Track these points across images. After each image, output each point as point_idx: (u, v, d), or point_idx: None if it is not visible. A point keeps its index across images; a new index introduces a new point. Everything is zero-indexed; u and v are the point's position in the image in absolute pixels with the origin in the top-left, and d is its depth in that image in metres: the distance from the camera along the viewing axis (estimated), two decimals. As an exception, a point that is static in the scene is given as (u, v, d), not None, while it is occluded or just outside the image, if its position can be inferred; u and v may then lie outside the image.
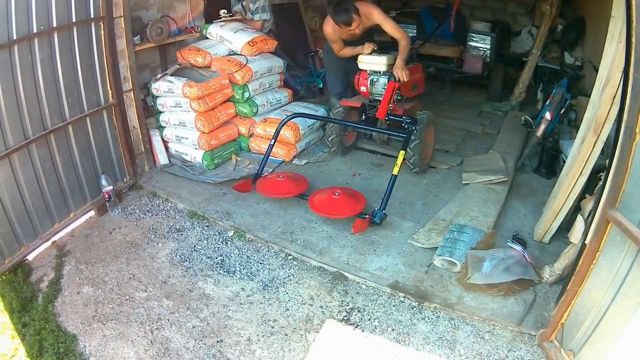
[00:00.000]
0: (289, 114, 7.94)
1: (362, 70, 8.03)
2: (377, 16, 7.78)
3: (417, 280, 5.68)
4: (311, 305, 5.43)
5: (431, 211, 6.93)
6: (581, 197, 5.77)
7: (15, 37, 5.50)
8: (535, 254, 6.01)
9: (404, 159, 6.63)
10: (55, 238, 6.47)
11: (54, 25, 5.95)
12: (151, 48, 8.23)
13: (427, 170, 8.01)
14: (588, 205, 5.32)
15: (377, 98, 7.97)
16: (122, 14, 6.99)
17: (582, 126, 5.95)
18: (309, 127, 8.54)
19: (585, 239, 4.62)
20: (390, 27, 7.86)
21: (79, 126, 6.62)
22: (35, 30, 5.71)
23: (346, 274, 5.83)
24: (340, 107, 8.09)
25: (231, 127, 8.37)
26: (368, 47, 7.90)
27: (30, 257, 6.15)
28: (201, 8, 9.38)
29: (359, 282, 5.74)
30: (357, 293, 5.61)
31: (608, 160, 4.44)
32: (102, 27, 6.68)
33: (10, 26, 5.42)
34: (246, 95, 8.35)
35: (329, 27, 8.02)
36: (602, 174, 4.98)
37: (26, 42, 5.67)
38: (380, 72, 7.87)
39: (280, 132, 7.64)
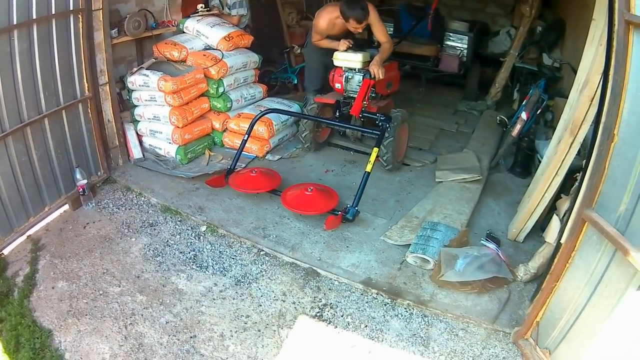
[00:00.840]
0: (263, 110, 7.95)
1: (337, 67, 8.04)
2: (372, 16, 7.73)
3: (390, 277, 5.71)
4: (284, 301, 5.44)
5: (404, 208, 6.95)
6: (556, 197, 5.83)
7: (-6, 29, 5.48)
8: (510, 252, 6.08)
9: (377, 156, 6.66)
10: (31, 232, 6.45)
11: (34, 17, 5.93)
12: (128, 41, 8.19)
13: (400, 167, 8.06)
14: (564, 205, 5.38)
15: (351, 95, 7.98)
16: (101, 7, 6.95)
17: (559, 127, 6.02)
18: (282, 123, 8.54)
19: (560, 238, 4.68)
20: (379, 31, 7.86)
21: (55, 119, 6.60)
22: (15, 22, 5.68)
23: (319, 270, 5.84)
24: (314, 104, 8.13)
25: (205, 122, 8.37)
26: (344, 44, 7.91)
27: (5, 252, 6.12)
28: (179, 2, 9.35)
29: (331, 279, 5.76)
30: (330, 289, 5.62)
31: (585, 160, 4.52)
32: (80, 19, 6.65)
33: (-11, 17, 5.39)
34: (221, 90, 8.36)
35: (324, 21, 7.99)
36: (577, 174, 5.05)
37: (5, 34, 5.64)
38: (355, 70, 7.87)
39: (254, 128, 7.68)
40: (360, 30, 7.74)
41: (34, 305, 5.40)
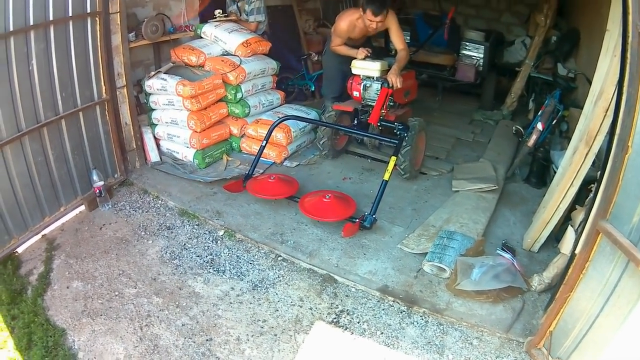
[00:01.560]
0: (281, 116, 7.97)
1: (355, 75, 8.05)
2: (392, 21, 7.81)
3: (406, 285, 5.70)
4: (300, 307, 5.44)
5: (421, 217, 6.95)
6: (571, 208, 5.82)
7: (12, 29, 5.49)
8: (524, 262, 6.05)
9: (395, 165, 6.65)
10: (46, 231, 6.46)
11: (51, 18, 5.95)
12: (145, 45, 8.20)
13: (417, 176, 8.05)
14: (579, 216, 5.38)
15: (369, 103, 7.98)
16: (118, 10, 6.98)
17: (574, 138, 6.00)
18: (300, 129, 8.54)
19: (575, 249, 4.66)
20: (397, 37, 7.90)
21: (72, 121, 6.62)
22: (32, 23, 5.70)
23: (336, 277, 5.84)
24: (332, 111, 8.13)
25: (223, 127, 8.37)
26: (362, 52, 7.92)
27: (20, 250, 6.13)
28: (197, 7, 9.38)
29: (348, 285, 5.75)
30: (347, 296, 5.61)
31: (599, 172, 4.48)
32: (97, 22, 6.67)
33: (7, 17, 5.42)
34: (239, 95, 8.36)
35: (345, 23, 8.00)
36: (592, 185, 5.05)
37: (22, 34, 5.66)
38: (373, 78, 7.88)
39: (272, 134, 7.66)
40: (374, 27, 7.68)
41: (48, 304, 5.41)
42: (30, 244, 6.26)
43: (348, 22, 7.96)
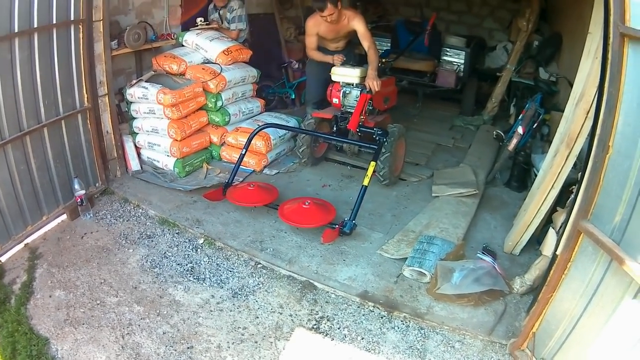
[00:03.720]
0: (260, 124, 8.00)
1: (335, 82, 8.13)
2: (358, 21, 7.93)
3: (387, 290, 5.73)
4: (280, 314, 5.46)
5: (401, 223, 6.99)
6: (553, 210, 5.87)
7: (-4, 35, 5.53)
8: (506, 265, 6.10)
9: (374, 171, 6.71)
10: (28, 240, 6.47)
11: (35, 25, 5.97)
12: (127, 53, 8.24)
13: (397, 182, 8.10)
14: (560, 218, 5.45)
15: (349, 110, 8.06)
16: (102, 18, 7.00)
17: (555, 140, 6.08)
18: (280, 137, 8.57)
19: (556, 250, 4.71)
20: (363, 36, 7.97)
21: (54, 129, 6.63)
22: (16, 30, 5.72)
23: (315, 283, 5.86)
24: (311, 119, 8.19)
25: (203, 136, 8.40)
26: (338, 58, 8.08)
27: (3, 259, 6.14)
28: (179, 16, 9.43)
29: (328, 292, 5.78)
30: (327, 302, 5.64)
31: (580, 173, 4.54)
32: (81, 30, 6.70)
33: (-8, 24, 5.45)
34: (219, 104, 8.39)
35: (311, 20, 8.19)
36: (573, 187, 5.08)
37: (7, 42, 5.68)
38: (353, 84, 7.97)
39: (252, 142, 7.68)
40: (328, 20, 7.73)
41: (31, 312, 5.41)
42: (13, 253, 6.26)
43: (313, 19, 8.12)
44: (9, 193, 6.11)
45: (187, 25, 9.42)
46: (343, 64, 8.10)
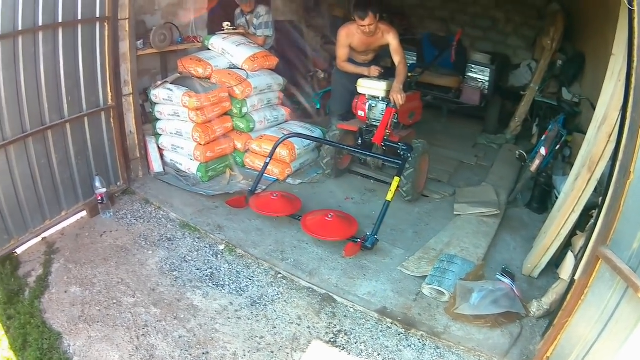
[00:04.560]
0: (285, 133, 8.00)
1: (361, 94, 8.09)
2: (392, 35, 7.94)
3: (405, 308, 5.69)
4: (298, 325, 5.43)
5: (422, 240, 6.96)
6: (572, 233, 5.82)
7: (20, 28, 5.55)
8: (524, 287, 6.05)
9: (397, 186, 6.67)
10: (46, 235, 6.50)
11: (60, 20, 6.00)
12: (153, 54, 8.26)
13: (419, 199, 8.06)
14: (579, 242, 5.40)
15: (374, 123, 8.01)
16: (128, 16, 7.04)
17: (577, 163, 6.01)
18: (304, 147, 8.56)
19: (574, 275, 4.67)
20: (395, 51, 7.96)
21: (77, 125, 6.66)
22: (41, 24, 5.75)
23: (335, 297, 5.83)
24: (336, 130, 8.15)
25: (227, 141, 8.38)
26: (375, 70, 8.00)
27: (19, 251, 6.17)
28: (205, 18, 9.48)
29: (347, 306, 5.74)
30: (345, 316, 5.60)
31: (601, 198, 4.49)
32: (107, 27, 6.73)
33: (16, 16, 5.47)
34: (244, 110, 8.38)
35: (344, 30, 8.15)
36: (594, 211, 5.04)
37: (31, 34, 5.71)
38: (379, 98, 7.93)
39: (276, 151, 7.65)
40: (366, 30, 7.71)
41: (45, 306, 5.43)
42: (30, 246, 6.30)
43: (346, 30, 8.09)
44: (29, 186, 6.16)
45: (214, 28, 9.44)
46: (381, 76, 8.05)
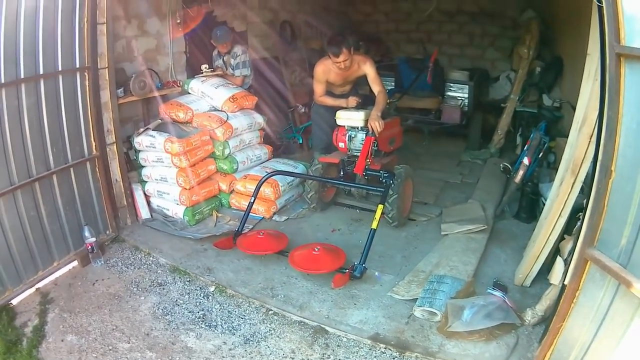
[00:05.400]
0: (268, 171, 8.05)
1: (340, 126, 8.15)
2: (369, 65, 8.04)
3: (398, 331, 5.71)
4: (292, 359, 5.44)
5: (411, 263, 6.98)
6: (561, 238, 5.84)
7: (3, 81, 5.65)
8: (517, 297, 6.09)
9: (382, 213, 6.74)
10: (39, 285, 6.54)
11: (41, 72, 6.11)
12: (134, 101, 8.33)
13: (406, 223, 8.10)
14: (567, 246, 5.40)
15: (355, 153, 8.07)
16: (107, 65, 7.15)
17: (560, 168, 6.03)
18: (288, 183, 8.61)
19: (564, 280, 4.73)
20: (373, 81, 8.06)
21: (63, 176, 6.74)
22: (22, 76, 5.85)
23: (327, 328, 5.84)
24: (319, 164, 8.20)
25: (212, 184, 8.46)
26: (353, 100, 8.14)
27: (14, 302, 6.21)
28: (183, 62, 9.55)
29: (339, 335, 5.76)
30: (338, 346, 5.62)
31: (585, 199, 4.55)
32: (87, 77, 6.84)
33: (-2, 70, 5.57)
34: (227, 151, 8.46)
35: (320, 66, 8.22)
36: (581, 214, 5.06)
37: (13, 87, 5.80)
38: (358, 128, 7.99)
39: (260, 189, 7.70)
40: (342, 66, 7.79)
41: (43, 355, 5.45)
42: (25, 297, 6.33)
43: (322, 66, 8.16)
44: (20, 238, 6.21)
45: (193, 71, 9.54)
46: (359, 106, 8.18)
